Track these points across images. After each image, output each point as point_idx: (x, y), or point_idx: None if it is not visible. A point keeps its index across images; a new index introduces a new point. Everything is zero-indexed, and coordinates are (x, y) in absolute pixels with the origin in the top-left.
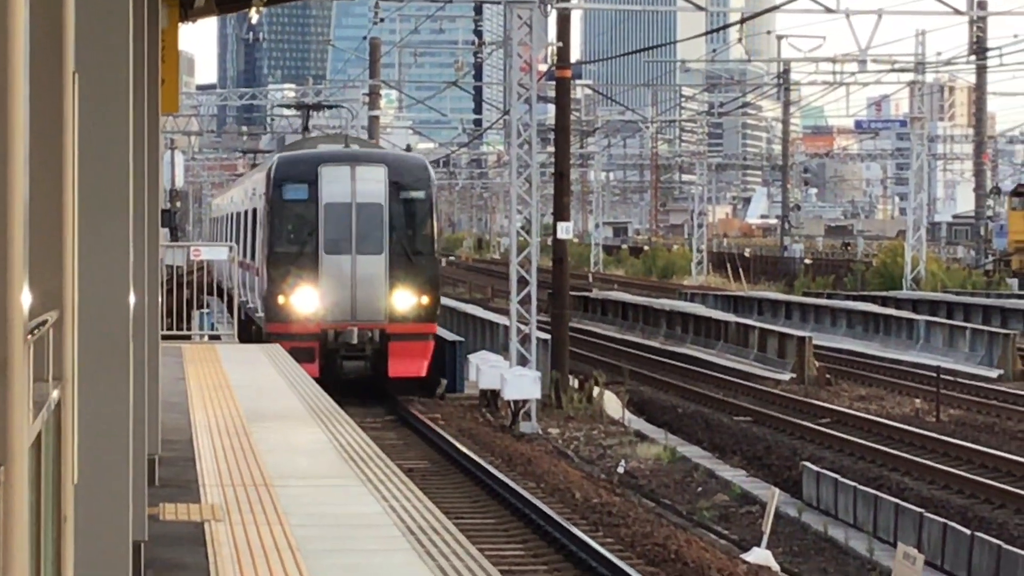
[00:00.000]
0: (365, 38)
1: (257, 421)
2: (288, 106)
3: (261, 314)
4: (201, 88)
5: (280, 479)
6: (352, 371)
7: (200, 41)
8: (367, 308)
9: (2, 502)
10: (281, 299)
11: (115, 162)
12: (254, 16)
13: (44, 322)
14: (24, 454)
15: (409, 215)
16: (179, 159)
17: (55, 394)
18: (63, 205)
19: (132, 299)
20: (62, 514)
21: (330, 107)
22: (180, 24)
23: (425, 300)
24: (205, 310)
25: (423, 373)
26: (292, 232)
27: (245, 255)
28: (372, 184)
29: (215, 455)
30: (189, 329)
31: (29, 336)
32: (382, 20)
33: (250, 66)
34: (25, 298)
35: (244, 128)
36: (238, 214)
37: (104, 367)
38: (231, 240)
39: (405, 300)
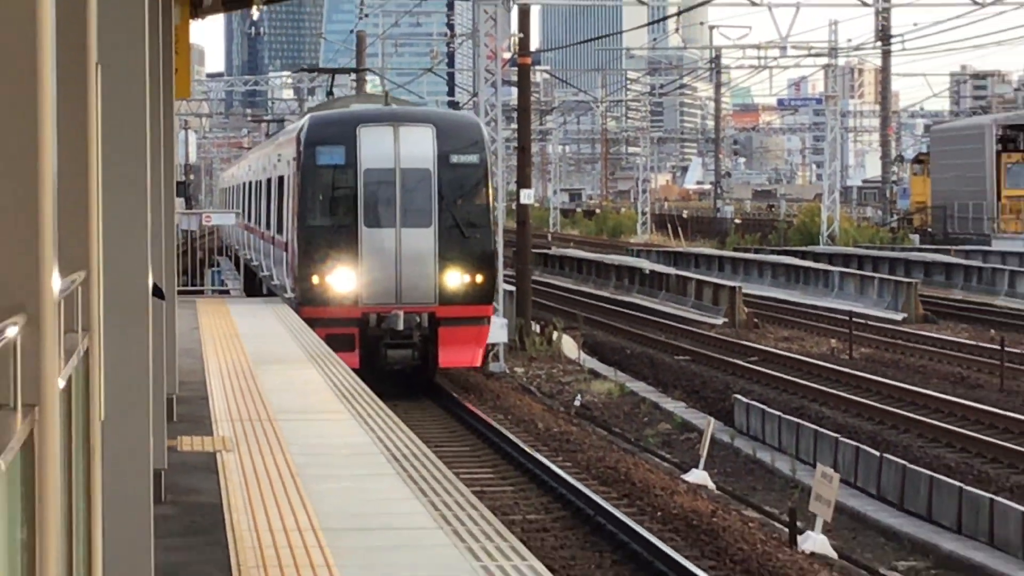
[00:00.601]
0: (352, 31)
1: (262, 364)
2: (312, 70)
3: (291, 295)
4: (210, 76)
5: (282, 414)
6: (397, 360)
7: (209, 35)
8: (414, 289)
9: (37, 439)
10: (315, 279)
11: (134, 141)
12: (255, 12)
13: (73, 281)
14: (56, 396)
15: (461, 182)
16: (192, 138)
17: (84, 343)
18: (89, 180)
19: (150, 259)
20: (91, 447)
21: (360, 71)
22: (191, 20)
23: (480, 279)
24: (216, 268)
25: (478, 362)
26: (327, 202)
27: (268, 227)
28: (418, 147)
29: (225, 394)
30: (202, 285)
31: (60, 293)
32: (367, 15)
33: (253, 56)
34: (56, 261)
35: (248, 111)
36: (258, 183)
37: (127, 319)
38: (250, 211)
39: (457, 279)
